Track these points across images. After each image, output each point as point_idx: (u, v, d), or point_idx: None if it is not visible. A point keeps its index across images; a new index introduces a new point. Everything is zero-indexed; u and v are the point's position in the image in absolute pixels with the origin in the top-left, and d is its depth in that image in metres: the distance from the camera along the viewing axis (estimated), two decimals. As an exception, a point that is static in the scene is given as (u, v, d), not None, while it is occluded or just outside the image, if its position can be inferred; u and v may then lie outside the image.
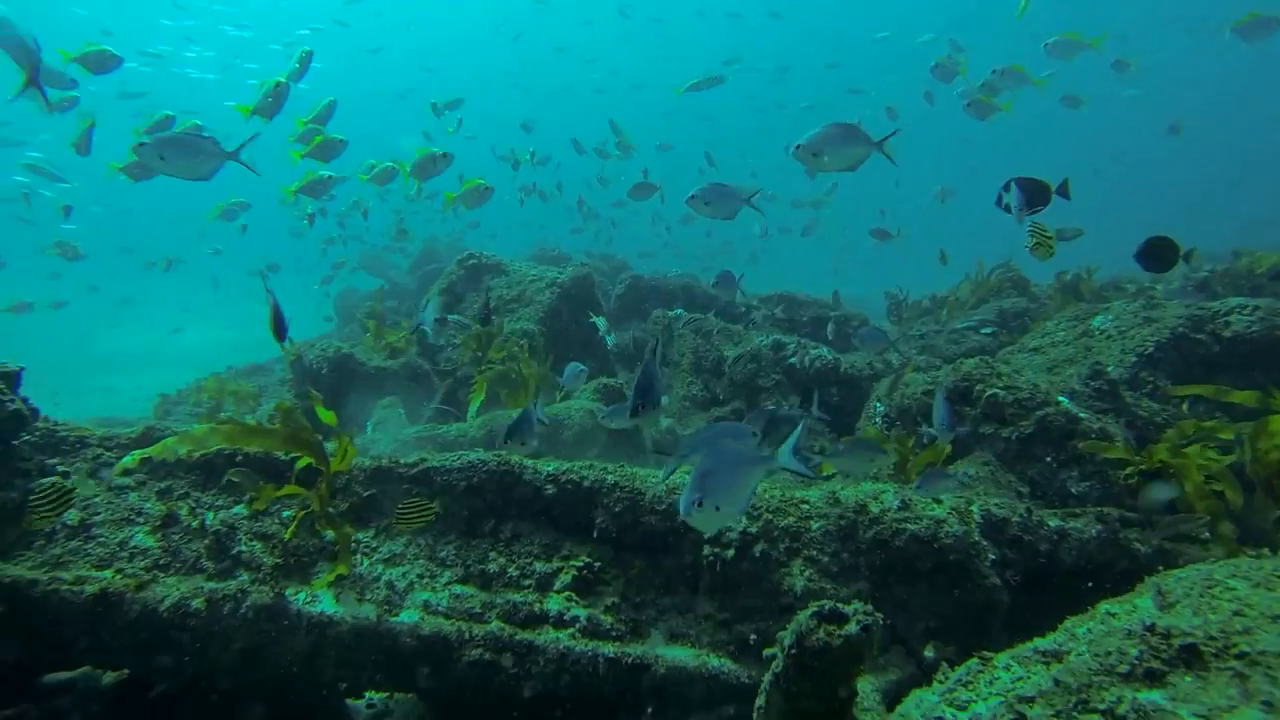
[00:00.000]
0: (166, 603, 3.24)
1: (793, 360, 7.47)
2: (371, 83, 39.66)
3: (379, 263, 20.11)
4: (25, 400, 3.36)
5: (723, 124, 43.93)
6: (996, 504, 3.89)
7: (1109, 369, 5.82)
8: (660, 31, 40.87)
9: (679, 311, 8.44)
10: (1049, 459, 4.78)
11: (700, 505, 2.31)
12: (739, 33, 39.89)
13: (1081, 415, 4.88)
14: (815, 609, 2.16)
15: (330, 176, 7.27)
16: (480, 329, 7.15)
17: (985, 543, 3.59)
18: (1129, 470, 4.64)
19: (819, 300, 10.60)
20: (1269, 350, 6.01)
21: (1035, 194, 3.65)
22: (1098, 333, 6.68)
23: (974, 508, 3.73)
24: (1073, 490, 4.80)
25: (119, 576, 3.37)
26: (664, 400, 5.92)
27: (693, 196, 4.50)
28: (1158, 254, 3.76)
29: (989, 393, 4.85)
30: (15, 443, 3.40)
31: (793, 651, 2.18)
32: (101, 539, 3.56)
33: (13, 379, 2.99)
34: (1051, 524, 4.01)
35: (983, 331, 8.04)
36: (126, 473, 3.44)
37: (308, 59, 6.90)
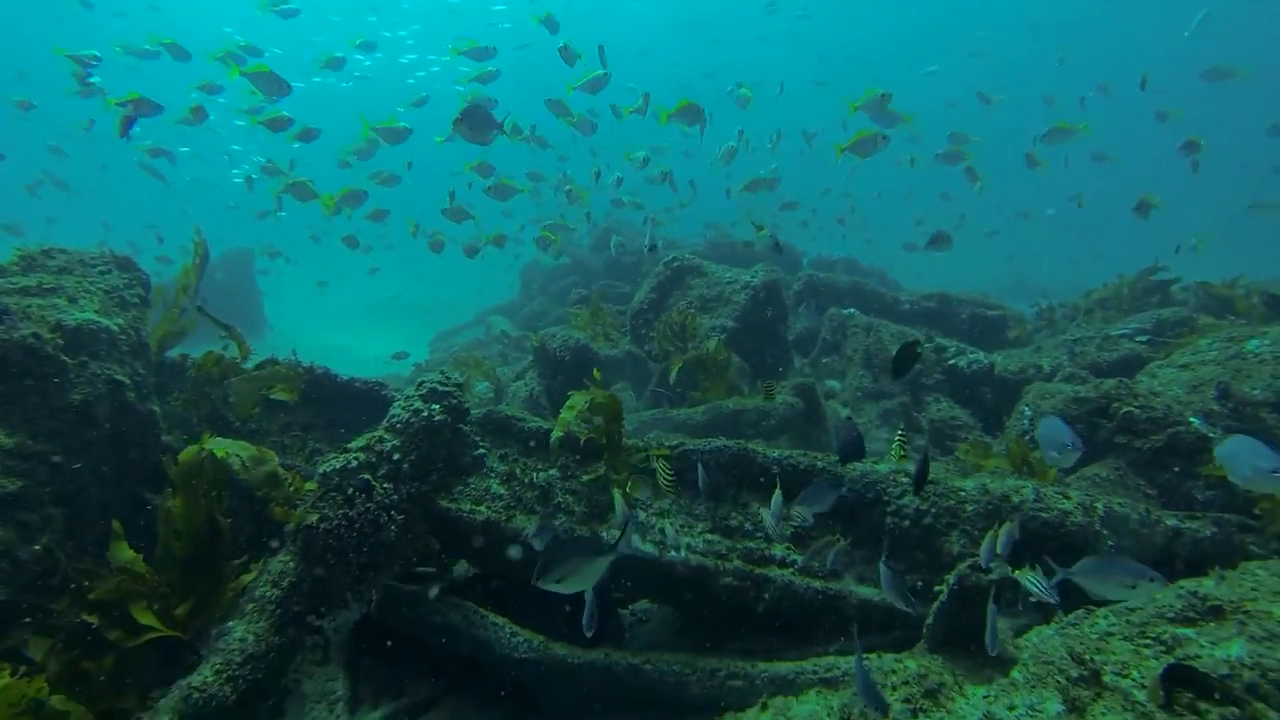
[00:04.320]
0: (526, 530, 5.04)
1: (953, 362, 8.54)
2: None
3: (566, 242, 22.22)
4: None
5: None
6: (1119, 502, 5.00)
7: (1255, 392, 6.47)
8: None
9: (851, 311, 9.65)
10: (1177, 469, 5.74)
11: None
12: None
13: (1212, 435, 5.77)
14: (970, 562, 3.54)
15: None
16: (670, 319, 8.76)
17: (1105, 531, 4.75)
18: (1249, 484, 5.49)
19: (976, 299, 11.39)
20: None
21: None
22: (1252, 356, 7.01)
23: (1099, 504, 4.88)
24: (1198, 497, 5.70)
25: (490, 511, 5.20)
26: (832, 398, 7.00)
27: (455, 121, 6.08)
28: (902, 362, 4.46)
29: (1124, 410, 5.86)
30: (462, 426, 5.25)
31: (955, 587, 3.57)
32: (473, 485, 5.42)
33: (464, 386, 4.81)
34: (1169, 522, 5.04)
35: (1138, 339, 8.64)
36: (560, 443, 5.25)
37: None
